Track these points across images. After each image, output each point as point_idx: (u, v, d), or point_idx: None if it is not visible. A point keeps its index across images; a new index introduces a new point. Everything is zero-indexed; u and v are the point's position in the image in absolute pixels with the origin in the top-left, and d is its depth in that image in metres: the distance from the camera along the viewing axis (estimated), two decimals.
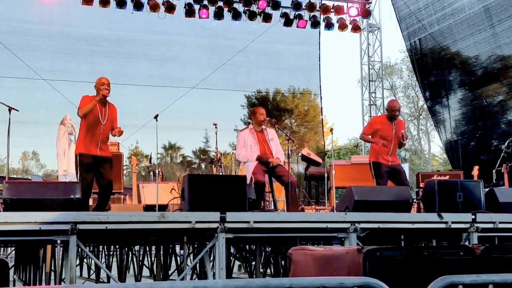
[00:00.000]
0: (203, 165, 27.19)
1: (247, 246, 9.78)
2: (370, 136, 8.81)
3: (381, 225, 6.58)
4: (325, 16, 15.79)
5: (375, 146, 8.69)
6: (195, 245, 9.27)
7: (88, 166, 7.28)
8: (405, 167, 9.52)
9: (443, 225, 6.83)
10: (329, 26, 15.78)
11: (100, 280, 9.02)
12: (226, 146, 19.90)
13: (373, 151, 8.76)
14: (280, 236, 6.72)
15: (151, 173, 11.56)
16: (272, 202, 9.06)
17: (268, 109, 22.47)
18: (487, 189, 7.93)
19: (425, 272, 3.16)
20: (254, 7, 14.97)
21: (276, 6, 15.10)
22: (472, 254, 3.42)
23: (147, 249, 10.03)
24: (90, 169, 7.29)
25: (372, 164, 8.64)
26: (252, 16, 14.96)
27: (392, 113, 8.68)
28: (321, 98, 19.36)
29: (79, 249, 7.25)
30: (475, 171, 11.19)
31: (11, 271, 9.12)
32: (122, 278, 8.84)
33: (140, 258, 9.81)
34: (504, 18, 13.88)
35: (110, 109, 7.49)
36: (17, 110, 7.53)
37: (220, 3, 14.70)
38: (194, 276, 8.71)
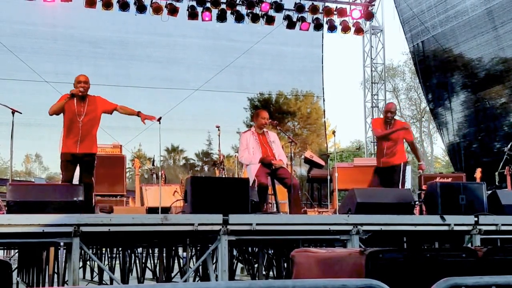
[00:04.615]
0: (205, 168, 27.23)
1: (250, 248, 9.78)
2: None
3: (384, 227, 6.58)
4: (328, 18, 15.76)
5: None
6: (198, 248, 9.27)
7: (68, 164, 7.18)
8: (408, 169, 9.52)
9: (445, 227, 6.83)
10: (332, 28, 15.77)
11: (103, 282, 9.04)
12: (229, 148, 19.94)
13: None
14: (283, 238, 6.72)
15: (154, 175, 11.60)
16: (275, 204, 9.06)
17: (271, 111, 22.50)
18: (489, 192, 7.92)
19: (428, 274, 3.16)
20: (257, 10, 14.97)
21: (279, 8, 15.07)
22: (474, 256, 3.42)
23: (150, 251, 10.04)
24: (71, 167, 7.20)
25: None
26: (255, 18, 14.96)
27: (385, 114, 8.82)
28: (323, 101, 19.37)
29: (82, 251, 7.26)
30: (478, 174, 11.17)
31: (15, 273, 9.13)
32: (125, 280, 8.86)
33: (143, 261, 9.82)
34: (507, 20, 13.87)
35: (90, 103, 7.20)
36: (20, 113, 7.52)
37: (223, 6, 14.71)
38: (197, 279, 8.72)
